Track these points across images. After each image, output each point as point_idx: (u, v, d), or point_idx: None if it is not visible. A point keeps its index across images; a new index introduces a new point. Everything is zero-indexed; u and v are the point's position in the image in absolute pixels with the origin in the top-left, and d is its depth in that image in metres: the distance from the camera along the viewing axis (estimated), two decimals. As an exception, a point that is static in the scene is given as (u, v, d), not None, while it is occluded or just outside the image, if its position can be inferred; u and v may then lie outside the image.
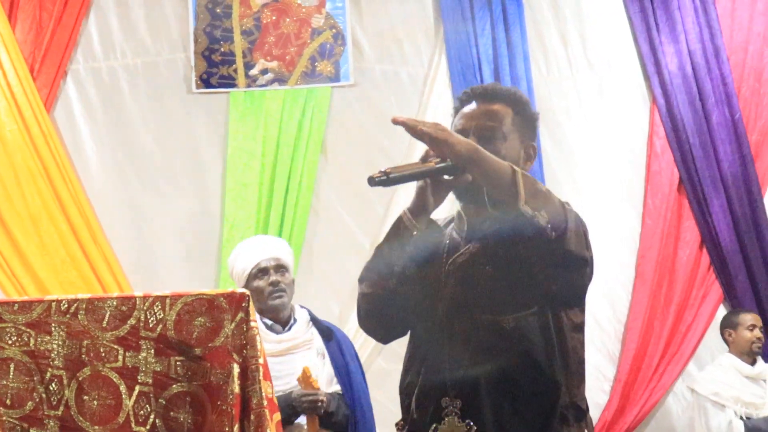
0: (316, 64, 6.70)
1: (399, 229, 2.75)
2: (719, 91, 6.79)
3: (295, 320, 4.38)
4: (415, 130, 2.50)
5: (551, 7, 6.97)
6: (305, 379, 4.16)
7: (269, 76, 6.67)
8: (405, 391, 2.81)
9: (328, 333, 4.46)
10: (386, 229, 2.82)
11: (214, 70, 6.64)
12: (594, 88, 6.93)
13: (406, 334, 2.88)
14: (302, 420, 4.19)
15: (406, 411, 2.80)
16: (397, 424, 2.84)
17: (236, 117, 6.60)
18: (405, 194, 6.45)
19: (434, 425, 2.69)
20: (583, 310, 2.79)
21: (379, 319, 2.86)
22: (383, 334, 2.93)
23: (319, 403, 4.13)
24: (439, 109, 6.69)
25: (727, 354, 6.39)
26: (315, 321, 4.48)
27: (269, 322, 4.30)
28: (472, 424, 2.64)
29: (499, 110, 2.81)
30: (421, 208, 2.75)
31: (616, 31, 6.96)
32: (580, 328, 2.78)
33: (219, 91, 6.66)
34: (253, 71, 6.66)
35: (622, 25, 6.96)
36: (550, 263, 2.60)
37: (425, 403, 2.73)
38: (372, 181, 2.48)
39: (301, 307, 4.50)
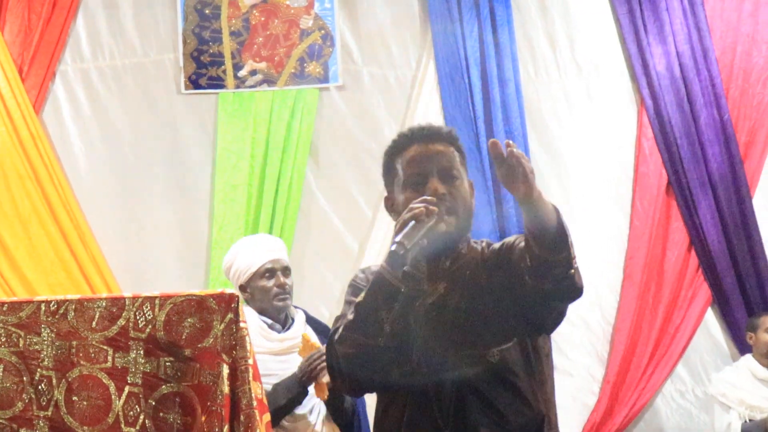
0: (305, 65, 6.69)
1: (382, 287, 2.65)
2: (708, 92, 6.79)
3: (292, 320, 4.39)
4: (520, 162, 2.46)
5: (539, 8, 6.97)
6: (306, 344, 4.15)
7: (258, 77, 6.66)
8: None
9: (326, 333, 4.45)
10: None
11: (203, 71, 6.64)
12: (582, 89, 6.93)
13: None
14: (303, 409, 4.17)
15: None
16: None
17: (225, 118, 6.59)
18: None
19: None
20: (549, 337, 2.81)
21: (364, 378, 2.74)
22: (362, 391, 2.87)
23: (323, 356, 4.01)
24: (428, 111, 6.69)
25: (748, 356, 6.38)
26: (310, 321, 4.49)
27: (269, 321, 4.30)
28: None
29: (447, 151, 2.81)
30: (400, 262, 2.66)
31: (604, 32, 6.96)
32: (549, 354, 2.80)
33: (208, 92, 6.65)
34: (242, 72, 6.66)
35: (609, 27, 6.96)
36: (560, 297, 2.63)
37: None
38: (396, 256, 2.58)
39: (296, 307, 4.51)
